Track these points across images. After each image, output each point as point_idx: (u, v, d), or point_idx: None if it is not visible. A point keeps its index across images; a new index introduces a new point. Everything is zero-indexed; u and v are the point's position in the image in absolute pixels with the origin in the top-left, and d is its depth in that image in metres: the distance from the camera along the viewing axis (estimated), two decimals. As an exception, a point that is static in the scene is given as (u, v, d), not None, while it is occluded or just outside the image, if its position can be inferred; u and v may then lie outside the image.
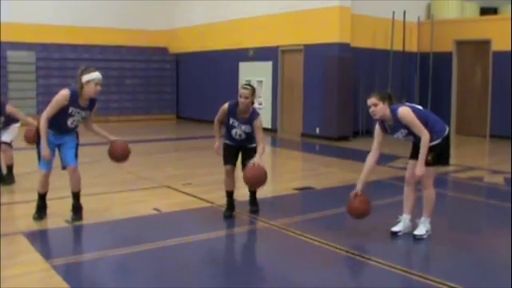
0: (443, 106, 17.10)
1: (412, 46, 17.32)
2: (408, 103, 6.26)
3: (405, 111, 5.92)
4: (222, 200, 7.25)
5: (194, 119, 20.06)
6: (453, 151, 14.70)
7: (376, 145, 6.30)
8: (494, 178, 10.38)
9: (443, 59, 17.08)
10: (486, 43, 16.34)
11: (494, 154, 14.37)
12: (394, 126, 6.08)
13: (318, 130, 15.45)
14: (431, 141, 5.97)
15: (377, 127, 6.28)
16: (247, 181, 6.55)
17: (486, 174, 10.78)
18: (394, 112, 5.97)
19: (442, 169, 10.93)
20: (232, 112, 6.85)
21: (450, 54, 17.09)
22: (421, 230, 6.22)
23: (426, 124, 5.97)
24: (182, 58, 21.27)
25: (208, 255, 5.83)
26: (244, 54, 18.03)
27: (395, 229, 6.35)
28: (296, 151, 14.37)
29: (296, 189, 9.06)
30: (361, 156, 8.28)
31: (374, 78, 16.12)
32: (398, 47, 16.73)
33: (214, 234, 6.44)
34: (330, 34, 15.30)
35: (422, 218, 6.28)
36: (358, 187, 6.27)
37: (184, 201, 7.97)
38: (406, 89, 17.12)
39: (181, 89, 21.43)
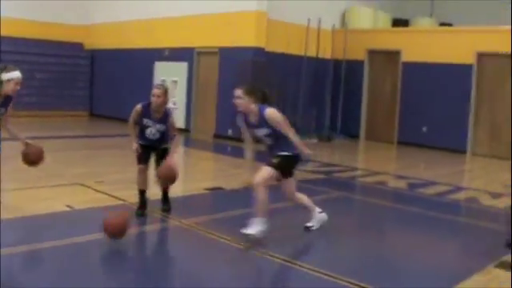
0: (354, 112, 17.65)
1: (326, 53, 17.74)
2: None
3: (273, 111, 6.12)
4: (135, 198, 7.29)
5: (108, 117, 19.83)
6: (361, 156, 15.39)
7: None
8: (398, 182, 10.84)
9: (355, 67, 17.62)
10: (396, 53, 16.95)
11: (399, 159, 14.97)
12: (258, 122, 6.21)
13: (230, 131, 15.62)
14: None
15: (239, 118, 6.44)
16: (160, 177, 6.65)
17: (390, 178, 11.24)
18: (261, 110, 6.15)
19: (349, 173, 11.41)
20: (145, 112, 6.93)
21: (362, 62, 17.64)
22: (253, 229, 6.12)
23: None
24: (97, 55, 20.98)
25: (119, 252, 5.87)
26: (160, 54, 18.00)
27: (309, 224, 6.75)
28: (208, 152, 14.48)
29: (207, 189, 9.18)
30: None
31: (288, 82, 16.40)
32: (312, 53, 17.10)
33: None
34: (246, 38, 15.50)
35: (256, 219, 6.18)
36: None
37: (96, 198, 7.95)
38: (318, 94, 17.51)
39: (95, 86, 21.12)
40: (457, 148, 15.44)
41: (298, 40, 16.79)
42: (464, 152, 15.40)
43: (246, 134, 6.49)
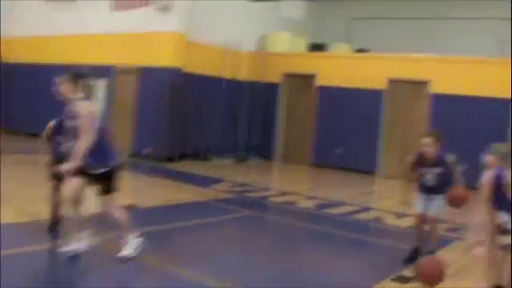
0: (270, 133, 17.95)
1: (243, 75, 18.02)
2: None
3: (85, 103, 5.90)
4: (47, 214, 7.23)
5: (23, 132, 19.41)
6: (274, 177, 15.63)
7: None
8: (307, 202, 11.12)
9: (272, 89, 17.97)
10: (311, 77, 17.41)
11: (312, 180, 15.37)
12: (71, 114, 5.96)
13: (147, 150, 15.62)
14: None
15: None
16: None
17: (300, 198, 11.52)
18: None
19: (261, 193, 11.63)
20: (58, 129, 6.92)
21: (278, 85, 18.00)
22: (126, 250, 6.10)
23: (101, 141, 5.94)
24: (11, 69, 20.54)
25: (29, 268, 5.83)
26: (78, 70, 17.74)
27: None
28: (124, 171, 14.40)
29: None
30: (185, 177, 8.69)
31: (205, 103, 16.55)
32: (229, 75, 17.34)
33: (37, 247, 6.45)
34: (164, 58, 15.60)
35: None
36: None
37: (9, 214, 7.85)
38: (235, 116, 17.73)
39: (8, 100, 20.64)
40: (368, 170, 15.96)
41: (216, 62, 16.99)
42: (374, 174, 15.94)
43: None
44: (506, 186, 3.51)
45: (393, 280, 6.19)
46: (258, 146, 17.94)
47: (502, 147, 4.71)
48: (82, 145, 5.75)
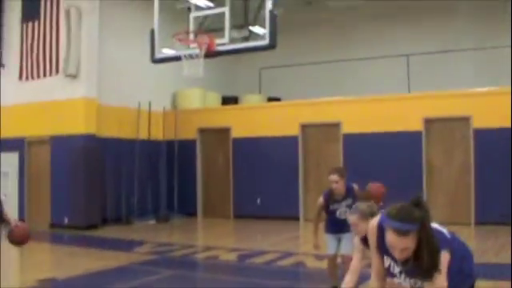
0: (190, 190, 17.93)
1: (158, 134, 18.05)
2: None
3: None
4: None
5: None
6: (197, 233, 15.56)
7: None
8: (229, 255, 11.11)
9: (188, 146, 18.04)
10: (226, 130, 17.59)
11: (234, 233, 15.40)
12: None
13: (66, 219, 15.33)
14: None
15: None
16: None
17: (223, 252, 11.50)
18: None
19: (183, 251, 11.58)
20: None
21: (195, 141, 18.10)
22: None
23: None
24: None
25: None
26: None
27: None
28: (43, 242, 14.07)
29: (40, 280, 8.98)
30: (107, 243, 8.63)
31: (122, 166, 16.45)
32: (144, 136, 17.32)
33: None
34: (76, 125, 15.41)
35: None
36: None
37: None
38: (153, 176, 17.66)
39: None
40: (290, 215, 16.12)
41: (130, 123, 16.97)
42: (297, 219, 16.11)
43: None
44: None
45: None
46: (179, 203, 17.87)
47: (364, 206, 4.84)
48: None
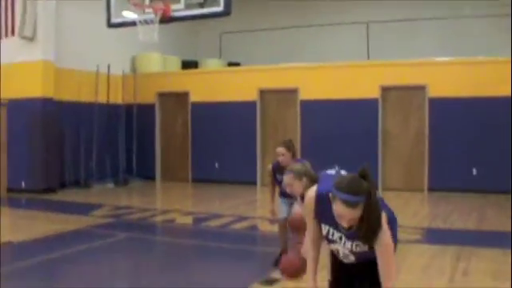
0: (149, 154, 18.00)
1: (117, 98, 17.99)
2: None
3: None
4: None
5: None
6: (155, 197, 15.70)
7: None
8: (185, 219, 11.35)
9: (147, 110, 18.04)
10: (185, 94, 17.62)
11: (192, 197, 15.61)
12: None
13: (23, 183, 15.29)
14: None
15: None
16: None
17: (179, 215, 11.70)
18: None
19: (139, 214, 11.73)
20: None
21: (153, 105, 18.10)
22: None
23: None
24: None
25: None
26: None
27: None
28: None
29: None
30: (65, 207, 8.73)
31: (80, 130, 16.39)
32: (103, 100, 17.26)
33: None
34: (33, 89, 15.27)
35: None
36: None
37: None
38: (112, 139, 17.64)
39: None
40: (248, 180, 16.33)
41: (88, 87, 16.86)
42: (255, 183, 16.33)
43: None
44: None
45: (260, 283, 6.49)
46: (138, 167, 17.93)
47: (298, 166, 5.02)
48: None
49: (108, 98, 17.41)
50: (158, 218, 11.44)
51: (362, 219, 3.28)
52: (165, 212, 12.14)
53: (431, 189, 14.91)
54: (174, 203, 13.91)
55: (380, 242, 3.33)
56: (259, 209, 12.87)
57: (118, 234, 9.72)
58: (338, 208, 3.26)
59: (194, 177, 17.44)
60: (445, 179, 14.76)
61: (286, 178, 4.88)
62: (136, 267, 7.73)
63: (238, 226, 10.44)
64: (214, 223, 10.62)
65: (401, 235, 8.83)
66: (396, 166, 15.54)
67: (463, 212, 11.87)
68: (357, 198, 3.20)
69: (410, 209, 12.56)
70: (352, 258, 3.57)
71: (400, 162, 15.52)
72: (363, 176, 3.27)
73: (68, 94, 16.11)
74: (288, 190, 4.96)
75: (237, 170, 16.59)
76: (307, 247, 3.88)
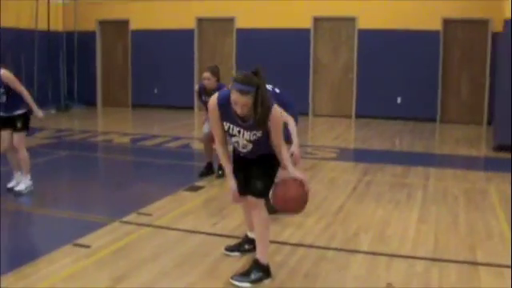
0: (90, 80, 18.47)
1: (58, 26, 18.27)
2: None
3: (5, 71, 6.87)
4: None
5: None
6: (95, 120, 16.27)
7: None
8: (123, 139, 12.20)
9: (88, 38, 18.41)
10: (125, 23, 18.04)
11: (131, 120, 16.36)
12: None
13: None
14: (20, 109, 7.07)
15: None
16: None
17: (117, 136, 12.50)
18: None
19: (79, 136, 12.40)
20: None
21: (94, 32, 18.47)
22: (21, 186, 7.25)
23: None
24: None
25: None
26: None
27: (10, 185, 7.37)
28: None
29: None
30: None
31: (20, 57, 16.58)
32: (43, 27, 17.53)
33: None
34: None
35: (22, 176, 7.31)
36: None
37: None
38: (53, 66, 17.99)
39: None
40: (185, 105, 17.09)
41: (28, 14, 17.04)
42: (192, 108, 17.07)
43: None
44: None
45: (185, 190, 7.40)
46: (79, 94, 18.44)
47: (212, 66, 7.03)
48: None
49: (49, 25, 17.66)
50: (97, 139, 12.21)
51: (255, 109, 4.18)
52: (104, 133, 12.92)
53: (358, 115, 15.95)
54: (113, 126, 14.65)
55: (271, 120, 4.26)
56: (193, 131, 13.69)
57: (60, 153, 10.43)
58: (233, 96, 4.17)
59: (134, 102, 18.10)
60: (371, 107, 15.82)
61: (205, 74, 7.14)
62: (77, 179, 8.54)
63: (172, 144, 11.32)
64: (149, 143, 11.48)
65: (318, 153, 9.90)
66: (326, 93, 16.48)
67: (383, 136, 12.91)
68: (248, 87, 4.11)
69: (334, 132, 13.59)
70: (250, 147, 4.46)
71: (330, 90, 16.46)
72: (255, 73, 4.18)
73: (7, 21, 16.16)
74: (206, 84, 6.67)
75: (175, 95, 17.28)
76: (220, 151, 4.63)
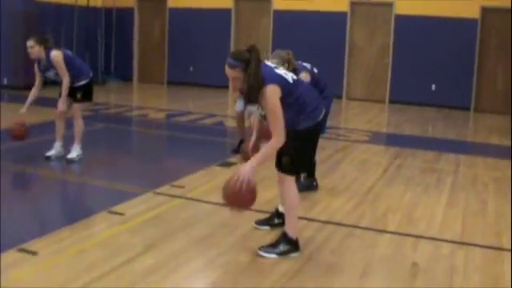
0: (127, 56, 18.72)
1: (97, 1, 18.50)
2: None
3: (55, 53, 7.21)
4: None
5: None
6: (131, 95, 16.47)
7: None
8: (158, 114, 12.38)
9: (126, 14, 18.63)
10: (162, 0, 18.22)
11: (166, 97, 16.58)
12: (47, 65, 7.34)
13: (5, 80, 15.94)
14: (79, 81, 7.43)
15: (35, 67, 7.55)
16: None
17: (152, 112, 12.68)
18: (47, 54, 7.24)
19: (115, 110, 12.62)
20: None
21: (132, 9, 18.67)
22: (72, 154, 7.51)
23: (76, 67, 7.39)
24: None
25: None
26: None
27: (48, 154, 7.61)
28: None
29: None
30: (46, 102, 9.54)
31: (61, 32, 16.84)
32: (83, 2, 17.73)
33: None
34: (15, -12, 15.70)
35: (74, 145, 7.57)
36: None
37: None
38: (91, 41, 18.23)
39: None
40: (220, 84, 17.08)
41: (69, -11, 17.29)
42: (226, 87, 17.07)
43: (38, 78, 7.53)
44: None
45: (218, 165, 7.55)
46: (116, 69, 18.70)
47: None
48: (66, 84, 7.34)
49: (88, 0, 17.88)
50: (133, 113, 12.43)
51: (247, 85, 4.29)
52: (139, 108, 13.14)
53: (392, 101, 15.94)
54: (148, 101, 14.86)
55: (265, 103, 4.30)
56: (228, 109, 13.82)
57: (97, 125, 10.61)
58: (226, 69, 4.32)
59: (170, 79, 18.32)
60: (405, 93, 15.79)
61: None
62: (113, 151, 8.76)
63: (206, 121, 11.49)
64: (184, 119, 11.65)
65: (351, 136, 10.00)
66: (360, 77, 16.49)
67: (415, 122, 12.92)
68: (235, 62, 4.26)
69: (367, 116, 13.63)
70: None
71: (364, 74, 16.46)
72: (249, 50, 4.30)
73: (49, -4, 16.49)
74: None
75: (210, 73, 17.37)
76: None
